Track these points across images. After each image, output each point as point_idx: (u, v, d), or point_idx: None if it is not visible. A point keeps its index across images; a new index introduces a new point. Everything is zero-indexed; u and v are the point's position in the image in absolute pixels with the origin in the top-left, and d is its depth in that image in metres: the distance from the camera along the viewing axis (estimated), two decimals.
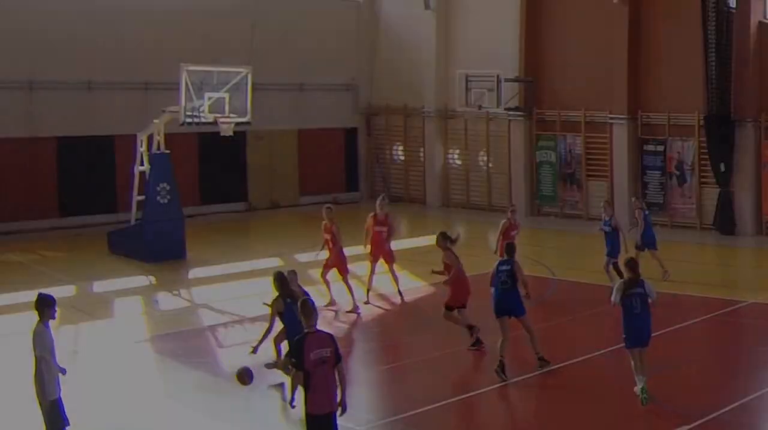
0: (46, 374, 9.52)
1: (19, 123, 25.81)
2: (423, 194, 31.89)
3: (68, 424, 9.79)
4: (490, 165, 30.26)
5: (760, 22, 24.24)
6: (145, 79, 27.51)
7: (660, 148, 26.02)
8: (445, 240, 14.85)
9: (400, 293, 17.78)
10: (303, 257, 20.96)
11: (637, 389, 11.76)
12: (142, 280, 19.19)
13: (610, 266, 18.09)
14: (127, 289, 18.62)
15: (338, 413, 9.16)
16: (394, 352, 15.12)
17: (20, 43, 25.36)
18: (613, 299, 12.02)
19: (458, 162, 31.28)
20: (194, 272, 21.03)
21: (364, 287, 17.86)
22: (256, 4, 29.63)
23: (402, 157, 32.79)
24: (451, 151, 31.43)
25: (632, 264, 12.22)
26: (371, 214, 17.90)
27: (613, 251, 18.19)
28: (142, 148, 22.79)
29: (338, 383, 9.14)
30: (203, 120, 22.31)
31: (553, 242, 24.18)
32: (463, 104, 28.90)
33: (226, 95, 22.43)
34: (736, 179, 24.68)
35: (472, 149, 30.75)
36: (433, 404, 12.06)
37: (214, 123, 22.47)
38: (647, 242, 19.09)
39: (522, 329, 13.49)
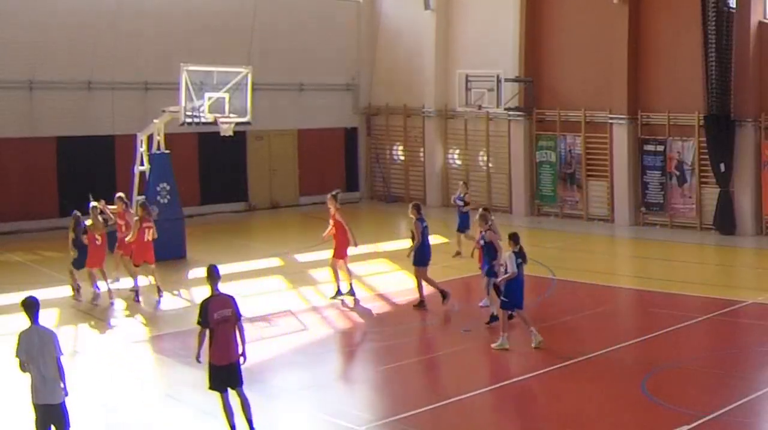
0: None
1: (19, 123, 25.83)
2: (423, 194, 31.85)
3: (69, 426, 9.74)
4: (490, 165, 30.25)
5: (760, 22, 24.22)
6: (145, 79, 27.55)
7: (660, 148, 26.00)
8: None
9: (338, 292, 17.78)
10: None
11: (536, 341, 14.05)
12: (142, 280, 19.14)
13: (491, 287, 15.67)
14: (126, 289, 18.60)
15: (241, 361, 10.62)
16: (393, 352, 15.09)
17: (20, 43, 25.36)
18: (512, 269, 13.86)
19: (458, 162, 31.27)
20: (194, 272, 20.98)
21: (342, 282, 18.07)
22: (256, 4, 29.65)
23: (402, 157, 32.79)
24: (451, 151, 31.43)
25: (516, 237, 14.14)
26: None
27: (490, 270, 15.87)
28: (142, 148, 22.79)
29: (239, 338, 10.59)
30: (203, 120, 22.31)
31: (553, 242, 24.14)
32: (463, 104, 28.89)
33: (226, 95, 22.43)
34: (736, 179, 24.65)
35: (472, 149, 30.75)
36: (432, 404, 12.06)
37: (214, 123, 22.47)
38: (463, 226, 21.83)
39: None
